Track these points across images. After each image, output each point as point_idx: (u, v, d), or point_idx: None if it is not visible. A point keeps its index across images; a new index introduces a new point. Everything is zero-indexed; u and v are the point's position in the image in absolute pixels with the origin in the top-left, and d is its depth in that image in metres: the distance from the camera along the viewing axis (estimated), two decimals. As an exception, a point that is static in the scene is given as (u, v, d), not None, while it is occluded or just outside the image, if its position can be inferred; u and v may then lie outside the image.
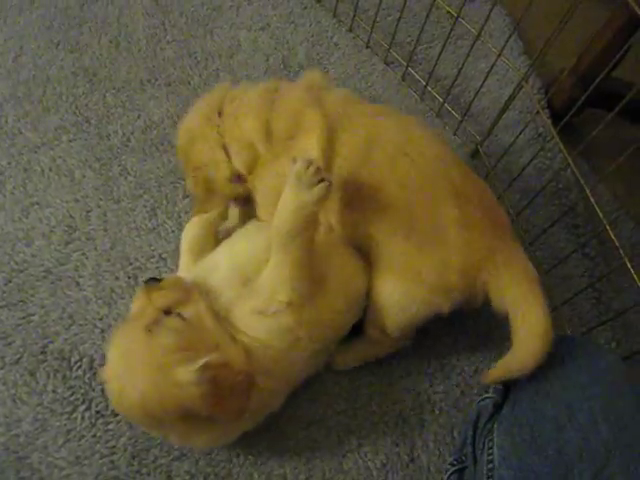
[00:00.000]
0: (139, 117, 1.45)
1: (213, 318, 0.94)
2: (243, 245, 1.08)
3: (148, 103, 1.47)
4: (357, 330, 1.14)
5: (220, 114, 1.10)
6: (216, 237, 1.16)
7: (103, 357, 1.14)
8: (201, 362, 0.85)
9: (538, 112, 1.38)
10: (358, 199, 1.04)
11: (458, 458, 1.05)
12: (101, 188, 1.33)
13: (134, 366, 0.88)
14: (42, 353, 1.14)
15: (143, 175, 1.36)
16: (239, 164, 1.08)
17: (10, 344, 1.14)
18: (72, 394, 1.10)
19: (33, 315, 1.18)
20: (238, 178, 1.11)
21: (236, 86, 1.16)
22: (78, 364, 1.13)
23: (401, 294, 1.04)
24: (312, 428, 1.13)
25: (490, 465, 0.91)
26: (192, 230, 1.16)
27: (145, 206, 1.32)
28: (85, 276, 1.23)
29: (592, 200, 1.17)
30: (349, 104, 1.07)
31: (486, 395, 1.04)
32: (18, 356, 1.13)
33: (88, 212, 1.30)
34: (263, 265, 0.98)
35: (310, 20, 1.69)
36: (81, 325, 1.17)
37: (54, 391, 1.10)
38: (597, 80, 1.16)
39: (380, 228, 1.04)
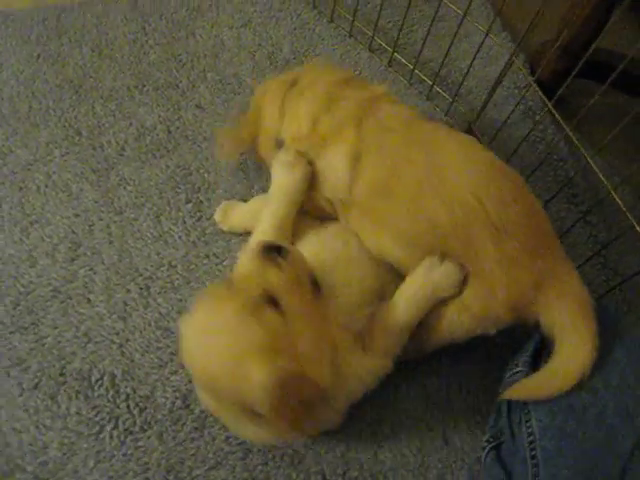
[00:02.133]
0: (131, 125, 1.36)
1: (315, 321, 0.86)
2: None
3: (138, 110, 1.39)
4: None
5: (292, 85, 1.12)
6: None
7: (124, 373, 1.07)
8: (278, 369, 0.78)
9: (530, 85, 1.34)
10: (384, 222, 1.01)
11: (494, 434, 1.02)
12: (101, 200, 1.25)
13: (214, 340, 0.82)
14: (61, 375, 1.06)
15: (142, 183, 1.28)
16: (286, 132, 1.11)
17: (26, 369, 1.06)
18: (97, 414, 1.03)
19: (46, 337, 1.09)
20: (281, 142, 1.12)
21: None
22: (99, 382, 1.06)
23: (448, 321, 0.99)
24: (344, 422, 1.07)
25: (530, 438, 0.88)
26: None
27: (148, 214, 1.24)
28: (95, 292, 1.15)
29: (594, 167, 1.14)
30: (390, 131, 1.02)
31: (516, 369, 0.99)
32: (36, 381, 1.05)
33: (90, 226, 1.22)
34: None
35: (290, 14, 1.62)
36: (97, 342, 1.10)
37: (78, 413, 1.03)
38: (589, 51, 1.12)
39: (412, 263, 1.00)
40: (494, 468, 0.98)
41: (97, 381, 1.06)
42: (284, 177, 1.05)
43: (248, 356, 0.78)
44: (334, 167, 1.03)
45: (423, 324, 1.01)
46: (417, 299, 0.99)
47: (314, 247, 1.03)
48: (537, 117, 1.48)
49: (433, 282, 0.97)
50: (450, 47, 1.38)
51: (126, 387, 1.06)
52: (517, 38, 1.63)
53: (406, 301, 0.99)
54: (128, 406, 1.04)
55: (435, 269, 0.97)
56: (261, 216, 1.06)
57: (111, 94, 1.40)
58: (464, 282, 0.97)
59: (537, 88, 1.31)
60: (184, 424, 1.03)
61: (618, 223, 1.37)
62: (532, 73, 1.57)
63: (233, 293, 0.85)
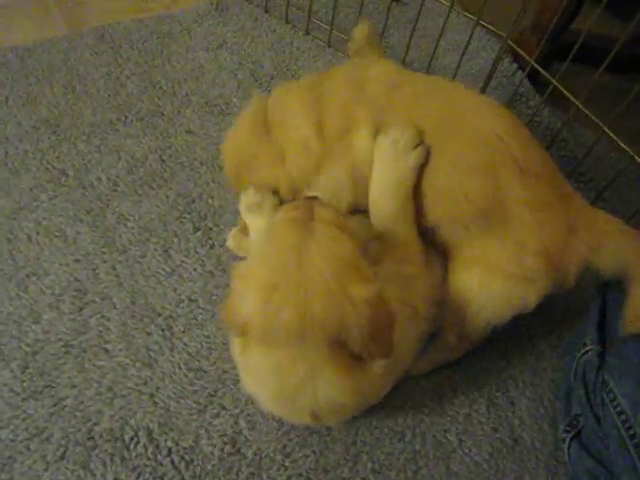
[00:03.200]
0: (120, 158, 1.24)
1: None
2: None
3: (125, 142, 1.27)
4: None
5: (265, 125, 0.97)
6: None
7: (161, 425, 0.93)
8: (377, 287, 0.71)
9: (530, 65, 1.30)
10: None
11: (569, 423, 0.95)
12: (101, 241, 1.12)
13: (310, 267, 0.71)
14: (89, 439, 0.91)
15: (143, 217, 1.15)
16: (294, 169, 0.95)
17: (48, 439, 0.91)
18: (139, 476, 0.88)
19: (65, 399, 0.94)
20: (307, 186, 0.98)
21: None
22: (135, 440, 0.91)
23: (477, 289, 0.88)
24: (407, 437, 0.96)
25: (623, 416, 0.81)
26: None
27: (156, 249, 1.11)
28: (112, 340, 1.01)
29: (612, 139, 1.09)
30: (391, 90, 0.92)
31: (586, 348, 0.92)
32: (62, 450, 0.89)
33: (94, 270, 1.08)
34: None
35: (265, 31, 1.54)
36: (124, 396, 0.95)
37: (117, 479, 0.88)
38: (582, 36, 1.10)
39: (435, 217, 0.90)
40: (583, 459, 0.90)
41: (132, 439, 0.91)
42: (395, 168, 0.88)
43: (346, 275, 0.71)
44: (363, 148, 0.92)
45: (453, 302, 0.91)
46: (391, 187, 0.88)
47: None
48: (531, 102, 1.44)
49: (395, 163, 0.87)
50: (437, 44, 1.33)
51: (166, 440, 0.92)
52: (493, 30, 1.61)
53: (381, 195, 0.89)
54: (172, 461, 0.90)
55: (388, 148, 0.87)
56: None
57: (93, 130, 1.28)
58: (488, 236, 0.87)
59: (539, 68, 1.27)
60: (239, 471, 0.90)
61: (632, 196, 1.33)
62: (515, 60, 1.55)
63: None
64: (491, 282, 0.87)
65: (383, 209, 0.88)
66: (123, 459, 0.90)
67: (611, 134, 1.09)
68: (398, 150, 0.86)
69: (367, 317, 0.69)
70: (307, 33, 1.55)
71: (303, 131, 0.94)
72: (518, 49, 1.33)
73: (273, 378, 0.75)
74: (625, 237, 0.87)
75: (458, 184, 0.86)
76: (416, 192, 0.89)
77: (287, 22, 1.57)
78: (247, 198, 1.01)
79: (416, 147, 0.86)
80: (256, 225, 1.00)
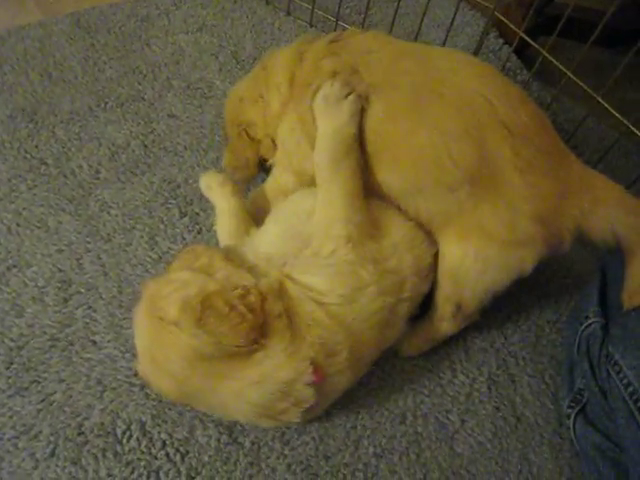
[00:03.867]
0: (101, 145, 1.18)
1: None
2: (290, 206, 0.92)
3: (106, 128, 1.21)
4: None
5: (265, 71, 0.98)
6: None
7: (154, 417, 0.88)
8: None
9: (510, 44, 1.27)
10: (382, 152, 0.86)
11: (573, 398, 0.92)
12: (84, 230, 1.06)
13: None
14: (80, 434, 0.86)
15: (127, 205, 1.10)
16: (267, 110, 0.96)
17: (37, 436, 0.86)
18: (133, 471, 0.84)
19: (53, 394, 0.90)
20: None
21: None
22: (127, 434, 0.87)
23: (472, 258, 0.84)
24: (409, 420, 0.93)
25: (630, 388, 0.78)
26: (229, 198, 1.00)
27: (142, 237, 1.07)
28: (100, 332, 0.96)
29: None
30: (372, 52, 0.87)
31: (589, 321, 0.89)
32: (52, 447, 0.85)
33: (78, 260, 1.03)
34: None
35: (245, 12, 1.49)
36: (115, 388, 0.91)
37: (110, 474, 0.83)
38: (569, 9, 1.06)
39: (418, 179, 0.85)
40: (589, 434, 0.87)
41: (124, 433, 0.87)
42: (332, 120, 0.86)
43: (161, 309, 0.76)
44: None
45: (448, 272, 0.88)
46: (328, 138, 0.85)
47: None
48: (519, 77, 1.40)
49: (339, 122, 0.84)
50: (422, 21, 1.29)
51: (160, 433, 0.87)
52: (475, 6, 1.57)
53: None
54: (167, 454, 0.85)
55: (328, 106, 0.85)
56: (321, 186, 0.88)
57: (71, 117, 1.22)
58: (478, 202, 0.83)
59: (528, 38, 1.23)
60: (237, 462, 0.86)
61: (623, 169, 1.31)
62: (501, 35, 1.51)
63: None
64: (487, 249, 0.84)
65: (321, 158, 0.85)
66: (116, 454, 0.85)
67: (605, 104, 1.06)
68: (330, 102, 0.84)
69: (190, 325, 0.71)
70: (288, 14, 1.50)
71: (278, 78, 0.94)
72: (506, 20, 1.29)
73: None
74: (622, 206, 0.83)
75: (443, 147, 0.81)
76: (391, 154, 0.85)
77: (267, 3, 1.52)
78: (207, 178, 1.03)
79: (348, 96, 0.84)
80: (217, 204, 1.02)
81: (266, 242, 0.88)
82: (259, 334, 0.73)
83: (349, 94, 0.84)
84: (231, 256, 0.85)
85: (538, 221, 0.81)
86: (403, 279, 0.86)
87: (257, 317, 0.72)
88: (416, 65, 0.86)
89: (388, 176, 0.87)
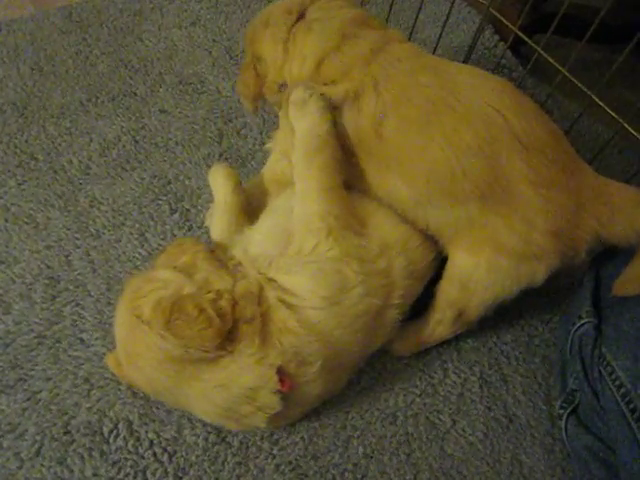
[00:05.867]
0: (91, 140, 1.16)
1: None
2: (280, 203, 0.91)
3: (97, 123, 1.19)
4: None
5: (299, 18, 0.91)
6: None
7: (141, 416, 0.86)
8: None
9: (505, 41, 1.25)
10: (393, 161, 0.84)
11: (566, 399, 0.90)
12: (73, 226, 1.04)
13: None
14: (66, 433, 0.84)
15: (117, 201, 1.08)
16: (288, 72, 0.91)
17: (22, 435, 0.84)
18: (119, 470, 0.82)
19: (39, 392, 0.88)
20: (284, 86, 0.93)
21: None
22: (114, 433, 0.85)
23: (484, 269, 0.83)
24: (399, 420, 0.91)
25: (623, 390, 0.77)
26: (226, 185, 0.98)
27: (131, 233, 1.05)
28: (88, 329, 0.94)
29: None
30: (394, 62, 0.85)
31: (582, 321, 0.87)
32: (37, 446, 0.83)
33: (67, 256, 1.01)
34: None
35: (239, 6, 1.47)
36: (102, 387, 0.89)
37: (96, 474, 0.82)
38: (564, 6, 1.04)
39: (428, 195, 0.84)
40: (581, 435, 0.86)
41: (111, 432, 0.85)
42: (303, 121, 0.86)
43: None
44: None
45: (458, 281, 0.86)
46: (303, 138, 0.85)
47: None
48: (514, 74, 1.38)
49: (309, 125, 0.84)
50: (417, 17, 1.26)
51: (147, 432, 0.85)
52: (471, 2, 1.55)
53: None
54: (154, 453, 0.84)
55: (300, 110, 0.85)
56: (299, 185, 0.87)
57: (62, 111, 1.20)
58: (491, 215, 0.81)
59: (523, 35, 1.21)
60: (225, 461, 0.84)
61: (617, 167, 1.29)
62: (496, 32, 1.49)
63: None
64: (500, 262, 0.83)
65: (296, 154, 0.85)
66: (102, 453, 0.84)
67: (600, 102, 1.04)
68: (297, 106, 0.85)
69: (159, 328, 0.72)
70: (284, 8, 1.48)
71: (310, 50, 0.89)
72: (501, 17, 1.27)
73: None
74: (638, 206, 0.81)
75: (456, 161, 0.80)
76: (404, 164, 0.84)
77: (263, -3, 1.50)
78: (216, 168, 1.00)
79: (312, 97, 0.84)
80: (215, 196, 0.99)
81: (255, 241, 0.86)
82: (226, 339, 0.72)
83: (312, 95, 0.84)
84: (218, 253, 0.83)
85: (552, 235, 0.80)
86: (392, 282, 0.84)
87: (225, 322, 0.72)
88: (434, 78, 0.84)
89: (398, 185, 0.85)
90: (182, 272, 0.78)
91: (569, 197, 0.80)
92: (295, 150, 0.85)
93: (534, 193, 0.79)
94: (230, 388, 0.73)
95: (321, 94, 0.85)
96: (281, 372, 0.74)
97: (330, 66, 0.86)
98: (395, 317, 0.87)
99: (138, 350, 0.74)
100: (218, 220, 0.97)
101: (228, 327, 0.72)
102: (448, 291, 0.88)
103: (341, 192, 0.84)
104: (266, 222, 0.89)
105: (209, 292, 0.74)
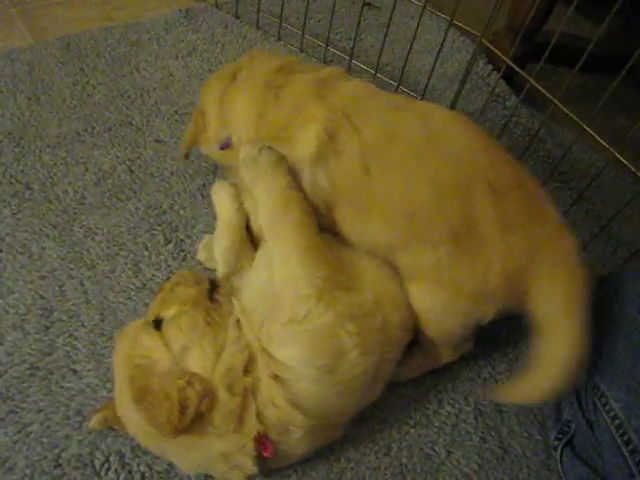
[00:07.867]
0: (87, 170, 1.18)
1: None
2: (265, 254, 0.89)
3: (92, 153, 1.21)
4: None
5: (233, 78, 0.96)
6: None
7: (133, 449, 0.86)
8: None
9: (498, 70, 1.28)
10: (374, 205, 0.86)
11: (560, 430, 0.91)
12: (67, 256, 1.05)
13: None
14: (57, 467, 0.84)
15: (112, 231, 1.10)
16: (233, 132, 0.94)
17: (12, 469, 0.84)
18: (110, 504, 0.83)
19: (30, 425, 0.88)
20: (226, 145, 0.97)
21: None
22: (105, 466, 0.85)
23: (439, 306, 0.86)
24: (393, 451, 0.91)
25: (617, 421, 0.78)
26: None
27: (125, 263, 1.06)
28: (81, 361, 0.94)
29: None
30: (363, 98, 0.88)
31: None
32: (27, 480, 0.83)
33: (61, 287, 1.02)
34: None
35: (235, 37, 1.50)
36: (94, 419, 0.89)
37: (86, 508, 0.82)
38: (556, 35, 1.08)
39: (406, 239, 0.85)
40: (576, 466, 0.86)
41: (102, 465, 0.85)
42: (260, 181, 0.85)
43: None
44: (306, 152, 0.85)
45: (417, 314, 0.88)
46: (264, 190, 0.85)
47: None
48: (507, 103, 1.41)
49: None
50: (411, 47, 1.30)
51: (139, 465, 0.85)
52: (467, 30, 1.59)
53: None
54: (148, 486, 0.84)
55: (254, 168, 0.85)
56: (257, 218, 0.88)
57: (58, 141, 1.22)
58: (456, 262, 0.82)
59: (515, 66, 1.24)
60: (218, 493, 0.85)
61: (612, 195, 1.31)
62: (490, 61, 1.52)
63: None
64: (455, 303, 0.85)
65: (263, 218, 0.85)
66: (94, 487, 0.84)
67: (591, 131, 1.06)
68: (249, 165, 0.85)
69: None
70: (279, 39, 1.51)
71: (246, 114, 0.92)
72: (493, 48, 1.30)
73: None
74: (561, 286, 0.81)
75: (436, 201, 0.82)
76: (386, 207, 0.85)
77: (258, 28, 1.53)
78: (220, 187, 1.00)
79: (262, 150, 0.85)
80: (219, 216, 0.99)
81: (246, 296, 0.85)
82: (194, 422, 0.71)
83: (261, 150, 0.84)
84: (221, 293, 0.84)
85: (505, 279, 0.82)
86: (388, 337, 0.84)
87: (184, 416, 0.70)
88: (414, 117, 0.87)
89: (378, 229, 0.87)
90: (164, 336, 0.78)
91: (527, 244, 0.81)
92: (261, 213, 0.84)
93: (498, 236, 0.81)
94: (205, 450, 0.74)
95: (269, 147, 0.85)
96: (262, 437, 0.74)
97: (276, 113, 0.88)
98: (391, 369, 0.88)
99: (123, 404, 0.77)
100: (221, 239, 0.96)
101: (188, 421, 0.70)
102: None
103: (321, 247, 0.82)
104: (254, 277, 0.88)
105: (182, 376, 0.73)
